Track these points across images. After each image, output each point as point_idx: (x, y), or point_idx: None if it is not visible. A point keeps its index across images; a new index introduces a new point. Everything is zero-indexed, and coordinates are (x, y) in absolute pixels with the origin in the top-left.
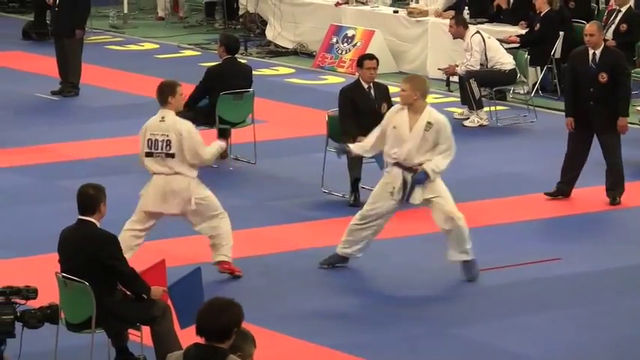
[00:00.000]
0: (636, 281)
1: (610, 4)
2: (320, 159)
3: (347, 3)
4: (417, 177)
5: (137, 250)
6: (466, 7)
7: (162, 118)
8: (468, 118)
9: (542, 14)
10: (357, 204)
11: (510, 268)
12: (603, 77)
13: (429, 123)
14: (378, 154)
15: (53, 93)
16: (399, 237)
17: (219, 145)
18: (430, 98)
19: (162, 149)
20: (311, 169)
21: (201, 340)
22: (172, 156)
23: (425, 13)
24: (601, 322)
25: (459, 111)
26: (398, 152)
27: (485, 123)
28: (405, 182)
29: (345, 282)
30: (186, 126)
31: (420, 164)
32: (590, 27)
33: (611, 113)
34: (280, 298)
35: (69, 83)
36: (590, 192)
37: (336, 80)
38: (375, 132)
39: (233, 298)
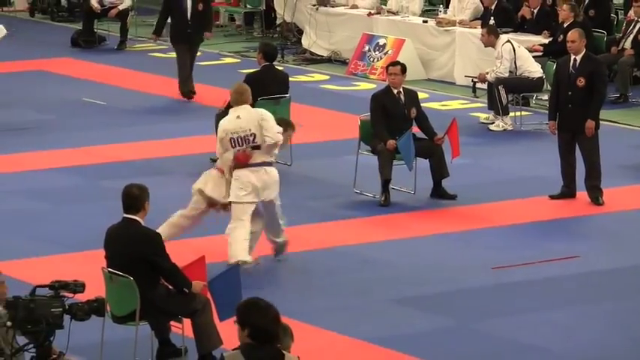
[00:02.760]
0: None
1: (629, 14)
2: (352, 161)
3: (379, 13)
4: None
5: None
6: (492, 17)
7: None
8: (494, 122)
9: (565, 25)
10: (387, 204)
11: (531, 266)
12: (581, 82)
13: None
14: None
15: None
16: (423, 235)
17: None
18: (456, 104)
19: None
20: (344, 171)
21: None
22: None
23: (453, 23)
24: (623, 318)
25: (484, 116)
26: None
27: (509, 128)
28: None
29: (374, 278)
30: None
31: None
32: (572, 34)
33: (588, 115)
34: (315, 293)
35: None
36: (612, 192)
37: (368, 86)
38: None
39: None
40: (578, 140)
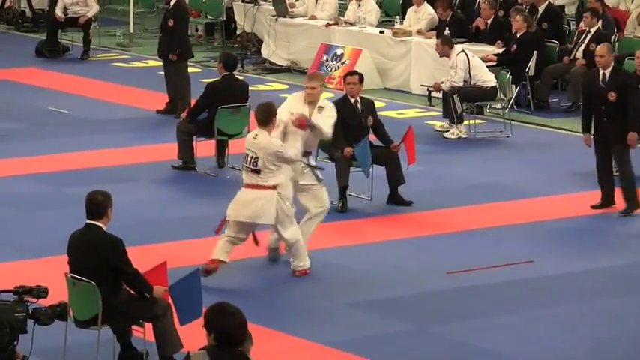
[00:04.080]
0: (608, 282)
1: (580, 25)
2: None
3: (337, 24)
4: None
5: None
6: (447, 28)
7: (256, 136)
8: (449, 130)
9: (518, 35)
10: (344, 210)
11: (485, 270)
12: (612, 96)
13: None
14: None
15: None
16: (380, 241)
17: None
18: (412, 112)
19: (249, 164)
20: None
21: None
22: (258, 172)
23: (409, 34)
24: (575, 322)
25: (439, 124)
26: None
27: (464, 136)
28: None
29: (332, 283)
30: (274, 144)
31: None
32: (600, 49)
33: (621, 127)
34: (274, 297)
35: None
36: (564, 199)
37: (325, 95)
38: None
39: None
40: (612, 151)
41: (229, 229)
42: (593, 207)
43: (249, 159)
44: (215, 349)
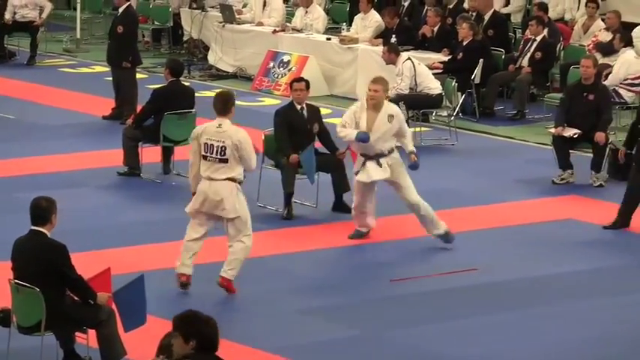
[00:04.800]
0: (554, 289)
1: (526, 33)
2: (256, 175)
3: (283, 31)
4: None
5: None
6: (393, 35)
7: (220, 125)
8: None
9: (465, 43)
10: (290, 217)
11: (430, 278)
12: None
13: (390, 115)
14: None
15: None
16: (325, 248)
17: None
18: None
19: (216, 154)
20: (247, 184)
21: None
22: (225, 161)
23: (355, 41)
24: (519, 327)
25: None
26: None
27: None
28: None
29: (277, 289)
30: (243, 135)
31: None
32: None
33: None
34: (219, 305)
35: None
36: (509, 207)
37: (272, 102)
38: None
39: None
40: None
41: None
42: (606, 227)
43: (215, 149)
44: (200, 355)
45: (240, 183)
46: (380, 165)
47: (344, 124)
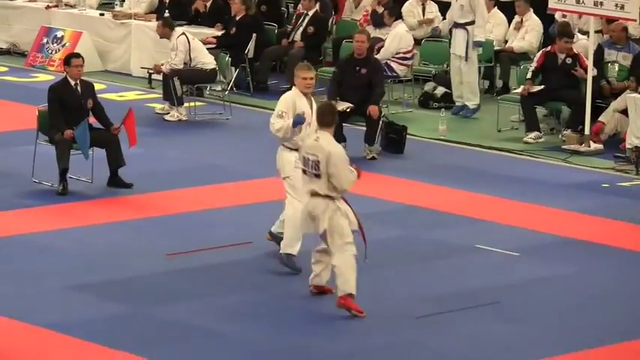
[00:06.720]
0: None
1: (298, 8)
2: (30, 151)
3: (57, 6)
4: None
5: None
6: (167, 10)
7: (317, 138)
8: (169, 113)
9: (237, 18)
10: (65, 193)
11: (204, 252)
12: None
13: None
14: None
15: None
16: (100, 223)
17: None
18: (133, 95)
19: (311, 169)
20: (22, 160)
21: None
22: (319, 177)
23: (129, 16)
24: (295, 300)
25: (160, 106)
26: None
27: (184, 118)
28: None
29: (50, 265)
30: (337, 149)
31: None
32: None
33: None
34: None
35: None
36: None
37: (46, 78)
38: None
39: None
40: None
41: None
42: None
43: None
44: None
45: None
46: None
47: (280, 114)
